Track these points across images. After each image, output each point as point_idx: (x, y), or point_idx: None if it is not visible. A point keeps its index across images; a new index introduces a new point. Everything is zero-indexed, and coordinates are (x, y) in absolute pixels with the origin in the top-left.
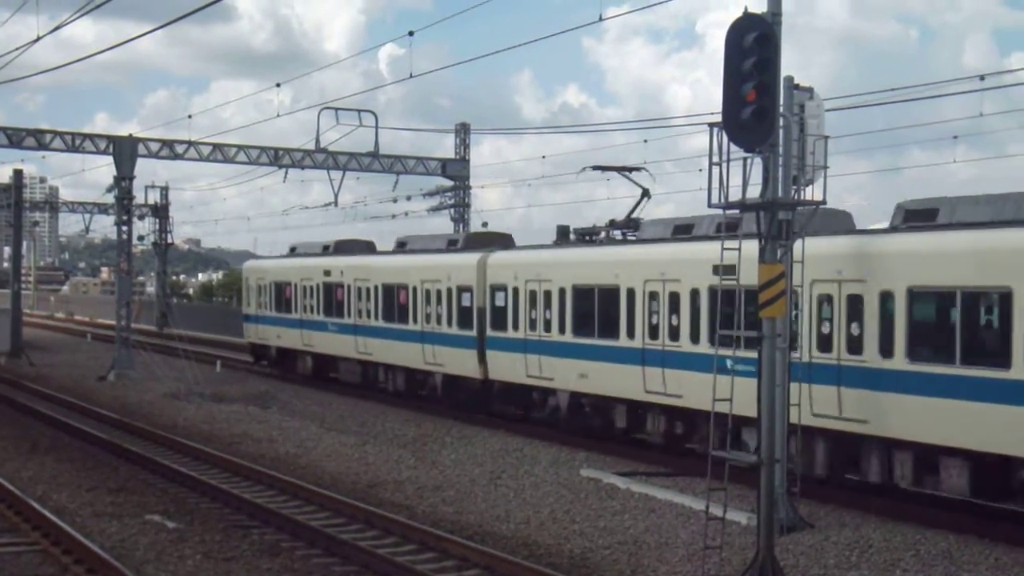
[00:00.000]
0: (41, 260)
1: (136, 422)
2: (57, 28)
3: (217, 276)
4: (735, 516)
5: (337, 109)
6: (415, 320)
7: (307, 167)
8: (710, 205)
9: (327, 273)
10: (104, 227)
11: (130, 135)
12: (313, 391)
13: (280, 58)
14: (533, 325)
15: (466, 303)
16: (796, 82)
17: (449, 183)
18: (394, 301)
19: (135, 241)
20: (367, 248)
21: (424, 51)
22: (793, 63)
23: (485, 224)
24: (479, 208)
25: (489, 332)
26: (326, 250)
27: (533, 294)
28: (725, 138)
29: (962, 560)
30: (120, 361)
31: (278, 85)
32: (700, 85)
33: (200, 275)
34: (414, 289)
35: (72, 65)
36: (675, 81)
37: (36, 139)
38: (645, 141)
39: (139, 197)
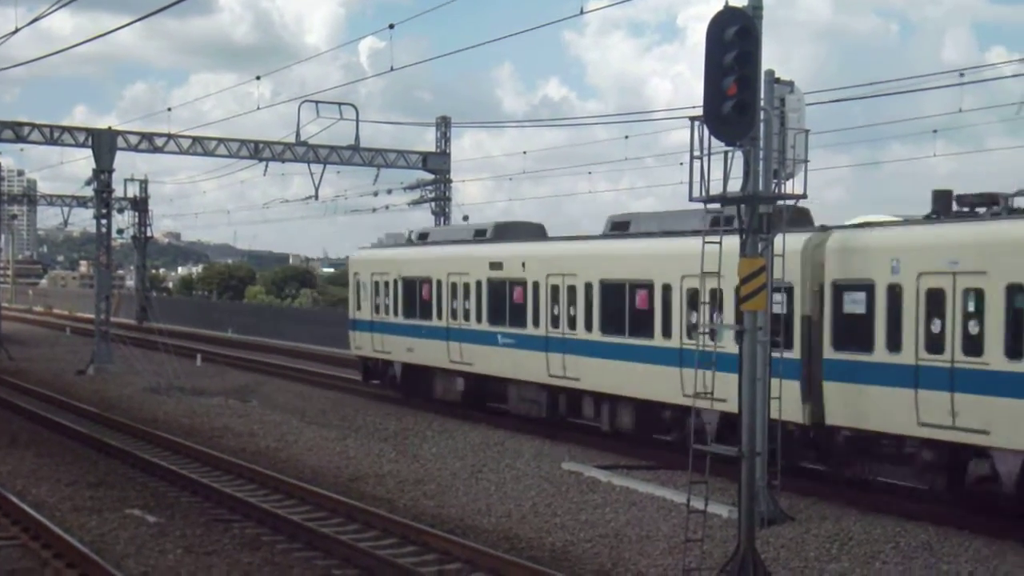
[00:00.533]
0: (19, 254)
1: (116, 416)
2: (35, 20)
3: (197, 270)
4: (716, 509)
5: (317, 102)
6: (667, 333)
7: (287, 160)
8: (691, 199)
9: (495, 266)
10: (83, 220)
11: (109, 128)
12: (294, 384)
13: (260, 51)
14: (936, 344)
15: (773, 309)
16: (777, 76)
17: (430, 176)
18: (624, 306)
19: (114, 234)
20: (538, 232)
21: (405, 44)
22: (774, 57)
23: (466, 218)
24: (460, 202)
25: (830, 353)
26: (480, 235)
27: (935, 295)
28: (706, 132)
29: (942, 552)
30: (99, 355)
31: (258, 78)
32: (681, 79)
33: (180, 269)
34: (665, 288)
35: (50, 57)
36: (656, 75)
37: (14, 131)
38: (626, 137)
39: (118, 190)
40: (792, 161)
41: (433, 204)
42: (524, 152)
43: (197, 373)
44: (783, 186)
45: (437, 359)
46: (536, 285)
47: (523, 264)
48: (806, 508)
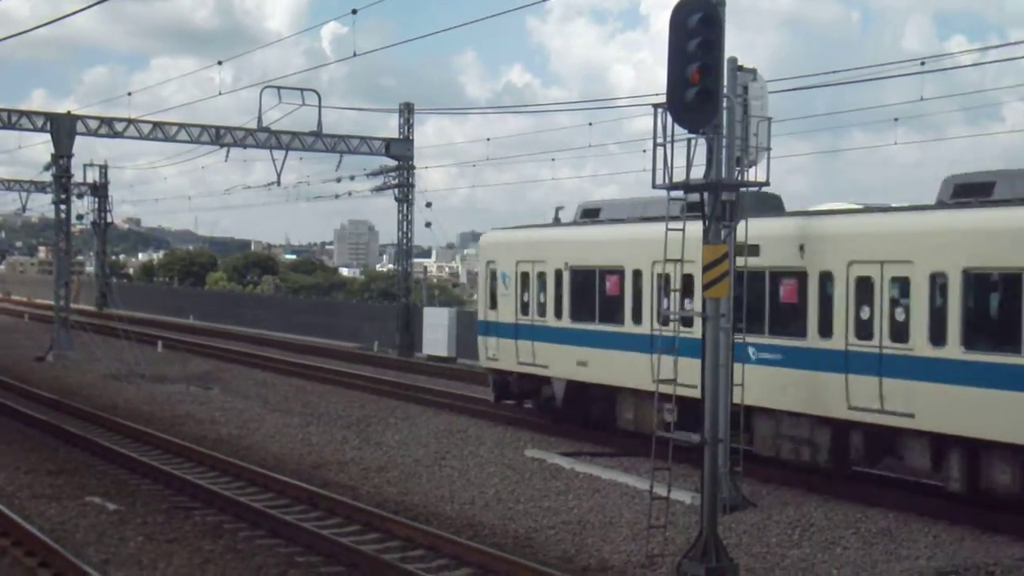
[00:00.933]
0: None
1: (76, 403)
2: None
3: (158, 256)
4: (679, 496)
5: (279, 88)
6: None
7: (249, 146)
8: (654, 186)
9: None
10: (41, 206)
11: (68, 112)
12: (256, 371)
13: (221, 35)
14: None
15: None
16: (740, 64)
17: (393, 163)
18: (1019, 304)
19: (74, 220)
20: (775, 204)
21: (368, 30)
22: (737, 45)
23: (429, 205)
24: (423, 188)
25: None
26: (698, 209)
27: None
28: (669, 119)
29: (901, 538)
30: (59, 342)
31: (220, 63)
32: (644, 66)
33: (140, 255)
34: None
35: (7, 40)
36: (619, 62)
37: None
38: (590, 124)
39: (77, 175)
40: (755, 149)
41: (396, 191)
42: (487, 139)
43: (158, 360)
44: (746, 173)
45: (630, 377)
46: (827, 277)
47: (800, 247)
48: (768, 494)
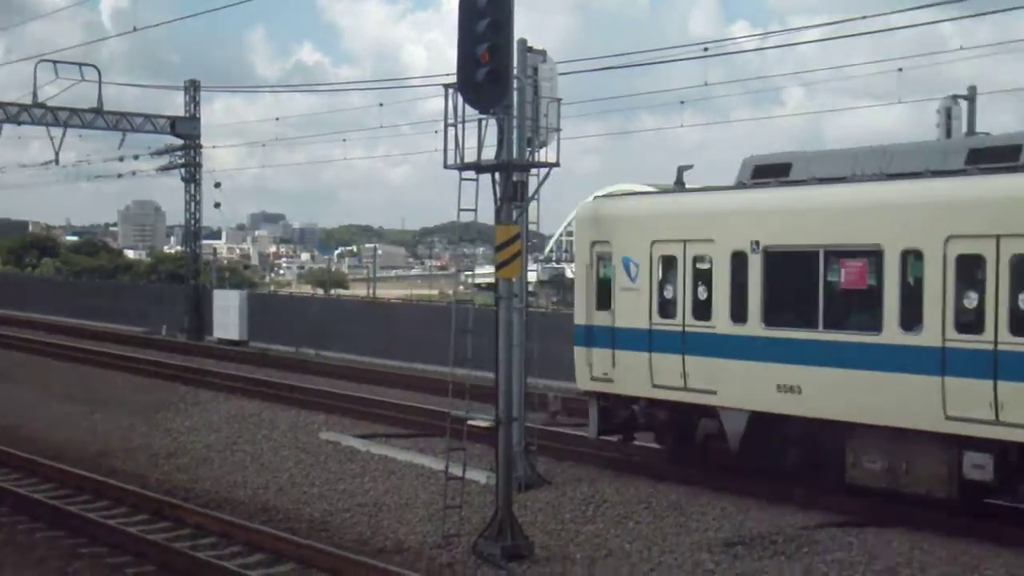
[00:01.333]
0: None
1: None
2: None
3: None
4: (475, 475)
5: (56, 62)
6: None
7: (24, 123)
8: (446, 166)
9: None
10: None
11: None
12: (36, 357)
13: None
14: None
15: None
16: (530, 45)
17: (179, 142)
18: None
19: None
20: None
21: (150, 3)
22: (527, 26)
23: (218, 185)
24: (211, 168)
25: None
26: (999, 158)
27: None
28: (461, 99)
29: (691, 511)
30: None
31: None
32: (436, 46)
33: None
34: None
35: None
36: (411, 41)
37: None
38: (381, 104)
39: None
40: (545, 129)
41: (183, 170)
42: (276, 118)
43: None
44: (537, 154)
45: (888, 409)
46: None
47: None
48: (562, 472)
